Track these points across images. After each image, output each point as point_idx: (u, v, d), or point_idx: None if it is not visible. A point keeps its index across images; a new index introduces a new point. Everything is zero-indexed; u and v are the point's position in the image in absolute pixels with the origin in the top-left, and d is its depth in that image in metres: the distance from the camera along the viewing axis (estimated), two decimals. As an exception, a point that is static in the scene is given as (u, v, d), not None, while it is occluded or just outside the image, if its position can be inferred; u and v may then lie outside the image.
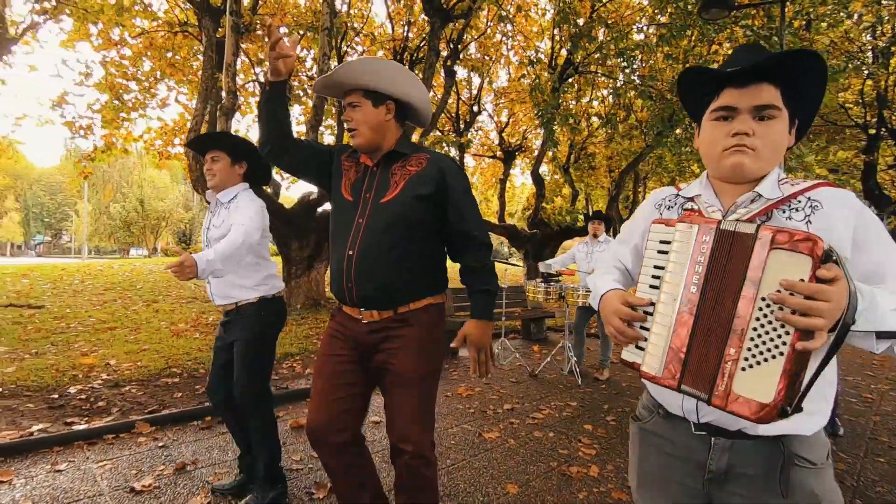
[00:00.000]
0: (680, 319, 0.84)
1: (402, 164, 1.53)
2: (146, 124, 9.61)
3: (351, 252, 1.46)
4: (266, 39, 9.18)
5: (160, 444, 2.65)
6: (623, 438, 2.98)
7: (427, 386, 1.50)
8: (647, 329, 0.89)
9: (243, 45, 9.55)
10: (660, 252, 0.91)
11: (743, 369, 0.75)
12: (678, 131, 10.33)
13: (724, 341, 0.78)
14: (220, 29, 7.57)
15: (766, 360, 0.73)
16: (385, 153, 1.55)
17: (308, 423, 1.49)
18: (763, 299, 0.75)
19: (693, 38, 9.52)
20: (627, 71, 9.29)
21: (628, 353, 0.92)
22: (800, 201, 0.87)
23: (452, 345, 1.53)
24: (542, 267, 4.42)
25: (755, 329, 0.75)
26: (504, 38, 11.31)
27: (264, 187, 5.30)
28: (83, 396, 3.31)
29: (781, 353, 0.72)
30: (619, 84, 9.93)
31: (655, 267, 0.91)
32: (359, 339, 1.51)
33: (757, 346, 0.75)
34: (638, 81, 9.46)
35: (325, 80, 1.50)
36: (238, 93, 10.71)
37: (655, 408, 1.00)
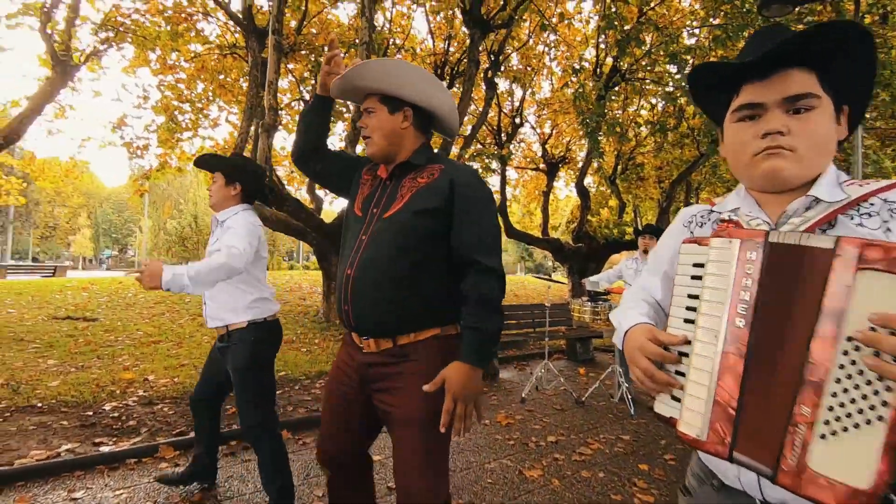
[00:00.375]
0: (725, 363, 0.65)
1: (414, 175, 1.37)
2: (198, 144, 9.97)
3: (349, 271, 1.32)
4: (312, 58, 9.35)
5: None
6: (685, 482, 2.61)
7: (433, 430, 1.25)
8: (683, 375, 0.69)
9: (290, 66, 9.82)
10: (693, 278, 0.72)
11: (822, 436, 0.55)
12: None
13: (791, 396, 0.58)
14: (265, 49, 7.76)
15: (856, 425, 0.53)
16: (398, 164, 1.41)
17: (316, 450, 1.47)
18: (849, 339, 0.54)
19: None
20: (679, 76, 8.81)
21: (662, 405, 0.72)
22: (872, 204, 0.68)
23: (426, 387, 1.24)
24: (588, 285, 4.09)
25: (838, 381, 0.55)
26: (546, 49, 11.08)
27: (306, 204, 5.29)
28: (115, 414, 3.28)
29: (880, 418, 0.52)
30: (669, 90, 9.45)
31: (689, 296, 0.72)
32: (360, 370, 1.36)
33: (842, 404, 0.54)
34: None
35: (341, 82, 1.39)
36: (282, 110, 11.03)
37: (708, 477, 0.79)
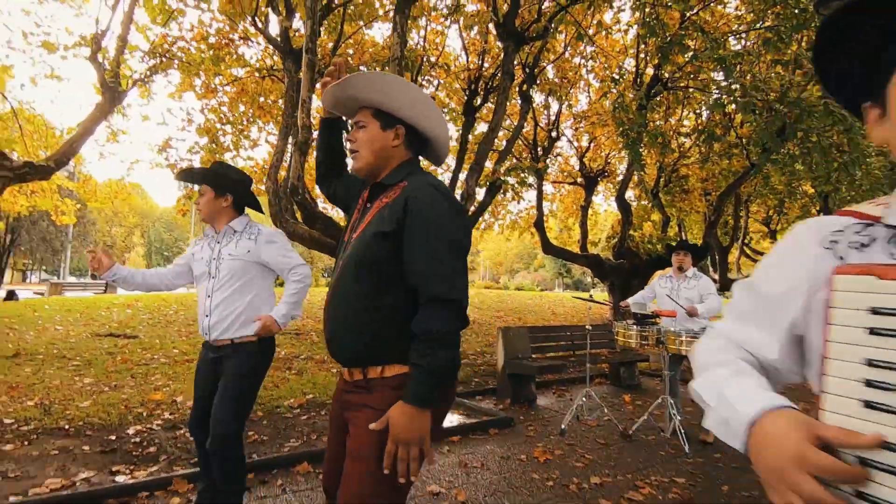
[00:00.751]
0: None
1: (383, 195, 1.30)
2: (240, 164, 10.26)
3: (327, 297, 1.31)
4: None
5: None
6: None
7: (381, 471, 1.13)
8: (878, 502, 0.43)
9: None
10: (876, 333, 0.45)
11: None
12: (789, 146, 9.09)
13: None
14: (300, 70, 7.88)
15: None
16: (375, 184, 1.35)
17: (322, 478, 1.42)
18: None
19: (804, 40, 8.41)
20: (726, 83, 8.34)
21: None
22: None
23: (372, 426, 1.14)
24: (633, 307, 3.77)
25: None
26: (583, 61, 10.83)
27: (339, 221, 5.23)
28: (137, 439, 3.20)
29: None
30: (715, 97, 8.97)
31: (871, 363, 0.45)
32: (340, 398, 1.32)
33: None
34: (739, 93, 8.46)
35: (336, 90, 1.33)
36: (317, 130, 11.18)
37: None
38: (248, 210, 2.23)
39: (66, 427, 3.36)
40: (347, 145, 1.36)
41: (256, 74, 9.92)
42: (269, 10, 7.84)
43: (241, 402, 1.97)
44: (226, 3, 8.68)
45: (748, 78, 8.55)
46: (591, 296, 4.17)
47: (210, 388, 2.03)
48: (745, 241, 17.11)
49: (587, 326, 4.00)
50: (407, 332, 1.16)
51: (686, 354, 3.47)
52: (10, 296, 10.33)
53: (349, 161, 1.38)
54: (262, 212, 2.31)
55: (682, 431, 3.53)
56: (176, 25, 11.12)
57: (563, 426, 3.82)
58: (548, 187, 13.94)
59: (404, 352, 1.16)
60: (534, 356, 4.92)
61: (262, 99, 10.31)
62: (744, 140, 10.09)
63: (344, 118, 1.49)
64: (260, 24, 7.82)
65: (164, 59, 8.69)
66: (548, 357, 4.96)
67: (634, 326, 3.57)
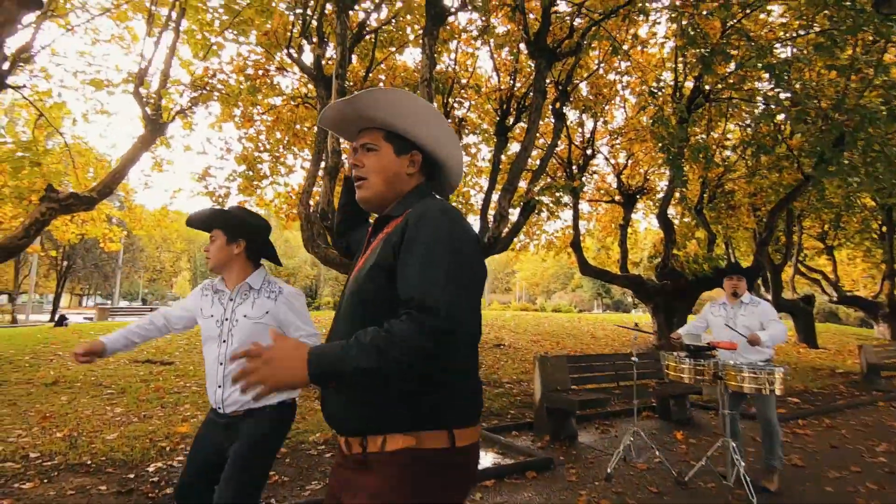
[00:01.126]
0: None
1: (386, 227, 1.10)
2: (274, 190, 10.51)
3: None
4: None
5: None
6: None
7: None
8: None
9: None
10: None
11: None
12: (849, 156, 8.44)
13: None
14: (331, 95, 7.97)
15: None
16: (379, 217, 1.17)
17: None
18: None
19: (859, 43, 7.86)
20: (775, 91, 7.85)
21: None
22: None
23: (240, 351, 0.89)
24: (685, 338, 3.39)
25: None
26: (618, 76, 10.56)
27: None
28: (156, 478, 3.08)
29: None
30: (762, 108, 8.48)
31: None
32: (336, 471, 1.09)
33: None
34: (789, 103, 7.95)
35: (342, 106, 1.13)
36: (344, 153, 11.31)
37: None
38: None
39: (89, 462, 3.28)
40: (353, 172, 1.16)
41: (291, 102, 10.15)
42: (304, 40, 8.00)
43: (249, 475, 1.68)
44: (262, 36, 8.97)
45: (798, 86, 8.05)
46: (635, 324, 3.83)
47: (205, 452, 1.75)
48: (800, 258, 16.06)
49: (633, 358, 3.65)
50: (417, 393, 0.94)
51: (749, 392, 3.05)
52: (61, 321, 10.76)
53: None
54: (279, 263, 2.03)
55: (748, 479, 3.11)
56: (216, 58, 11.59)
57: (609, 470, 3.46)
58: (584, 206, 13.55)
59: (414, 417, 0.94)
60: (574, 387, 4.57)
61: (297, 126, 10.52)
62: (795, 151, 9.49)
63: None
64: (294, 54, 7.98)
65: (204, 92, 9.00)
66: (589, 390, 4.60)
67: (688, 359, 3.20)
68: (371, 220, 1.40)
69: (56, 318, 12.15)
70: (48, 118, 7.82)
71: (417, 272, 0.91)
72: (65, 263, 23.70)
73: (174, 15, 7.67)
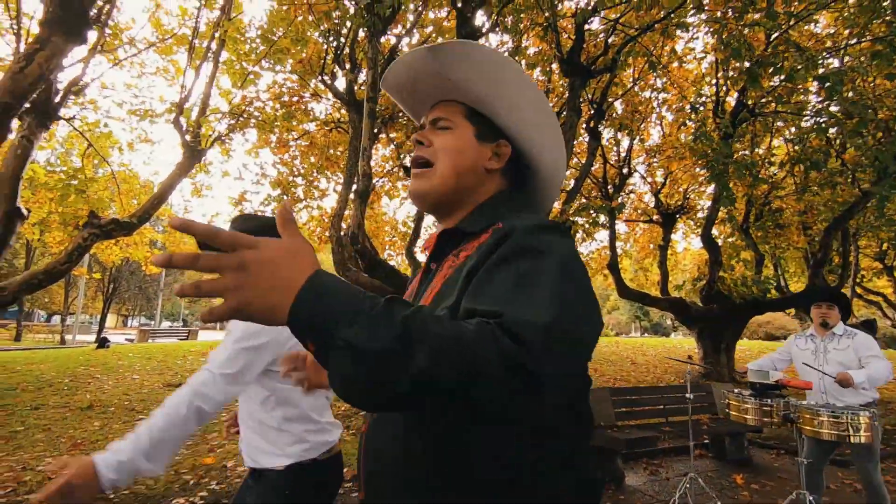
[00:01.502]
0: None
1: (459, 249, 0.75)
2: (308, 213, 10.65)
3: (364, 426, 0.79)
4: (410, 125, 9.57)
5: None
6: None
7: None
8: None
9: (391, 135, 10.17)
10: None
11: None
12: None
13: None
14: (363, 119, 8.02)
15: None
16: (444, 230, 0.80)
17: None
18: None
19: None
20: (822, 104, 7.40)
21: None
22: None
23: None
24: (752, 375, 3.00)
25: None
26: (654, 93, 10.28)
27: (401, 269, 4.97)
28: (178, 517, 2.95)
29: None
30: (810, 121, 8.01)
31: None
32: None
33: None
34: (841, 115, 7.47)
35: (419, 58, 0.82)
36: (384, 178, 11.35)
37: None
38: None
39: (112, 497, 3.18)
40: (414, 153, 0.84)
41: (325, 127, 10.32)
42: (336, 66, 8.13)
43: None
44: (297, 63, 9.19)
45: (853, 96, 7.57)
46: (689, 357, 3.49)
47: None
48: (856, 279, 15.01)
49: (688, 395, 3.31)
50: (491, 475, 0.63)
51: (830, 439, 2.63)
52: (102, 343, 11.06)
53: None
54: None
55: (829, 538, 2.71)
56: (253, 86, 11.98)
57: (663, 519, 3.12)
58: (621, 226, 13.12)
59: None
60: (618, 423, 4.23)
61: (330, 151, 10.67)
62: (849, 166, 8.90)
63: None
64: (328, 80, 8.11)
65: (241, 119, 9.26)
66: (635, 426, 4.25)
67: (752, 398, 2.85)
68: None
69: (98, 339, 12.53)
70: (96, 148, 8.17)
71: (498, 293, 0.58)
72: (110, 286, 24.72)
73: (213, 46, 7.93)
